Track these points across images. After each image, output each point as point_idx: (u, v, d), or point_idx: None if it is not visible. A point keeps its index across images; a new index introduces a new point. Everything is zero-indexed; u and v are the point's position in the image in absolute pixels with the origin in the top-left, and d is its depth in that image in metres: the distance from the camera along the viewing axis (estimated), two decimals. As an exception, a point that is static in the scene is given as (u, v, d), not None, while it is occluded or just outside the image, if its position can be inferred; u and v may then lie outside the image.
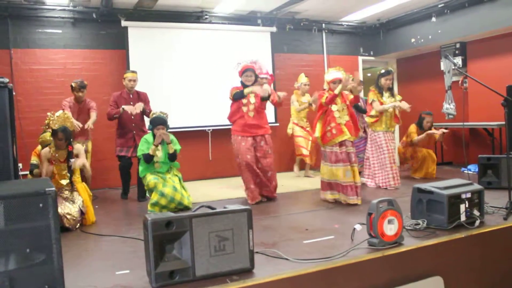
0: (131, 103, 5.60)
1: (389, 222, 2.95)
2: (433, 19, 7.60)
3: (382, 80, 5.73)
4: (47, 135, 4.72)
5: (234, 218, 2.55)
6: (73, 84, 5.61)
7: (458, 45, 7.54)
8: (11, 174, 2.82)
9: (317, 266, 2.65)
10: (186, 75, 7.15)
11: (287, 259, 2.80)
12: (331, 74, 4.90)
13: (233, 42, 7.53)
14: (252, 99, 5.08)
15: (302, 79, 7.09)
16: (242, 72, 5.11)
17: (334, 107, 4.79)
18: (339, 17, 8.31)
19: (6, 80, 2.89)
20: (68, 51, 6.66)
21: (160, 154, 4.90)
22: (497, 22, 6.63)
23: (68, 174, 4.36)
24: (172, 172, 5.05)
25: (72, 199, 4.26)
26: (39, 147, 5.03)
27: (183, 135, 6.94)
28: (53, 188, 2.15)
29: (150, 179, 4.81)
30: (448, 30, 7.41)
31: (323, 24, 8.50)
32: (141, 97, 5.77)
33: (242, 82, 5.13)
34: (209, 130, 7.45)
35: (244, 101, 5.05)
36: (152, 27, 7.07)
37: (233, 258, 2.53)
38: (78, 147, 4.55)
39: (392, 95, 5.83)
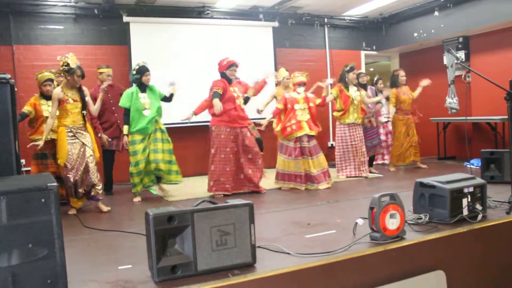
0: (109, 95, 5.76)
1: (391, 216, 2.94)
2: (436, 13, 7.56)
3: (351, 75, 6.09)
4: (44, 75, 4.94)
5: (235, 213, 2.54)
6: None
7: (461, 39, 7.51)
8: (13, 169, 2.83)
9: (319, 260, 2.65)
10: (187, 70, 7.14)
11: (289, 253, 2.80)
12: (297, 78, 5.59)
13: (235, 37, 7.51)
14: (239, 93, 5.25)
15: (283, 73, 6.68)
16: (228, 67, 5.21)
17: (296, 106, 5.44)
18: (341, 11, 8.28)
19: (8, 76, 2.90)
20: (70, 47, 6.65)
21: (146, 102, 5.09)
22: (500, 16, 6.60)
23: (84, 112, 4.44)
24: (160, 134, 5.12)
25: (84, 138, 4.43)
26: (33, 98, 5.03)
27: (184, 131, 6.95)
28: (55, 184, 2.16)
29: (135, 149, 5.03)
30: (451, 24, 7.38)
31: (325, 19, 8.47)
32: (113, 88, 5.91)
33: (224, 75, 5.21)
34: (211, 125, 7.45)
35: (235, 94, 5.19)
36: (154, 23, 7.07)
37: (235, 253, 2.53)
38: (85, 88, 4.60)
39: (358, 89, 6.19)
